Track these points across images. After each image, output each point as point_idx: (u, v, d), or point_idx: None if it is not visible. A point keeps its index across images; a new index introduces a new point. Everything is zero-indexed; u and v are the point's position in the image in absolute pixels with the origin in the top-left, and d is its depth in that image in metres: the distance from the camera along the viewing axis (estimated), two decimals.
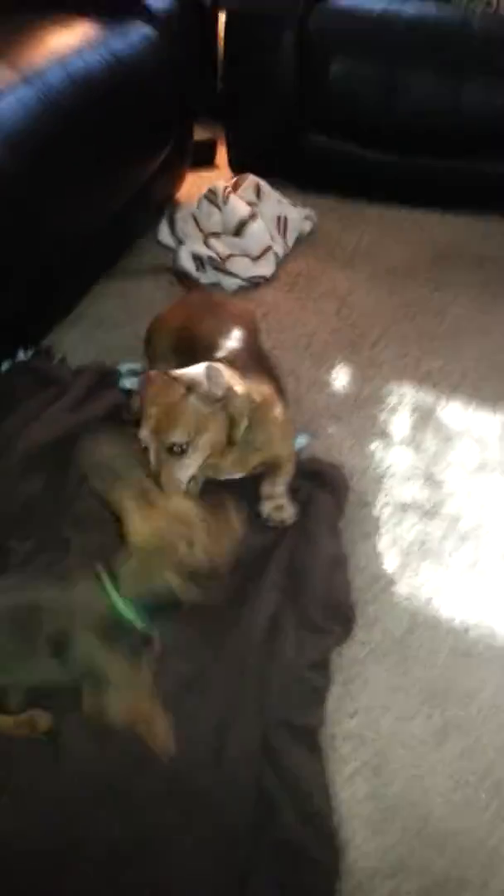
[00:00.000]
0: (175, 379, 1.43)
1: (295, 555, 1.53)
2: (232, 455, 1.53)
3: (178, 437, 1.39)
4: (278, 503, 1.59)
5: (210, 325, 1.76)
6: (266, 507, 1.59)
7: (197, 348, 1.67)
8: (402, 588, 1.55)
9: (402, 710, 1.34)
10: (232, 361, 1.57)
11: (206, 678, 1.33)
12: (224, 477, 1.59)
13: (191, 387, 1.40)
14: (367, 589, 1.54)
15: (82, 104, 1.89)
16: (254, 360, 1.69)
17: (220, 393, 1.41)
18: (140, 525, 1.20)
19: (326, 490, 1.68)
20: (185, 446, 1.40)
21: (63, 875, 1.10)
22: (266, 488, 1.60)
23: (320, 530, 1.58)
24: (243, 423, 1.48)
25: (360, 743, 1.30)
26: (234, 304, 2.07)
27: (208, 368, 1.43)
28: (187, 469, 1.43)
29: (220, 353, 1.64)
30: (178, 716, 1.22)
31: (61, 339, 2.15)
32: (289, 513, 1.58)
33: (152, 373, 1.50)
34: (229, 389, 1.43)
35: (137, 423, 1.44)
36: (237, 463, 1.57)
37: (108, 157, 2.07)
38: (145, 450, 1.42)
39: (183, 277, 2.30)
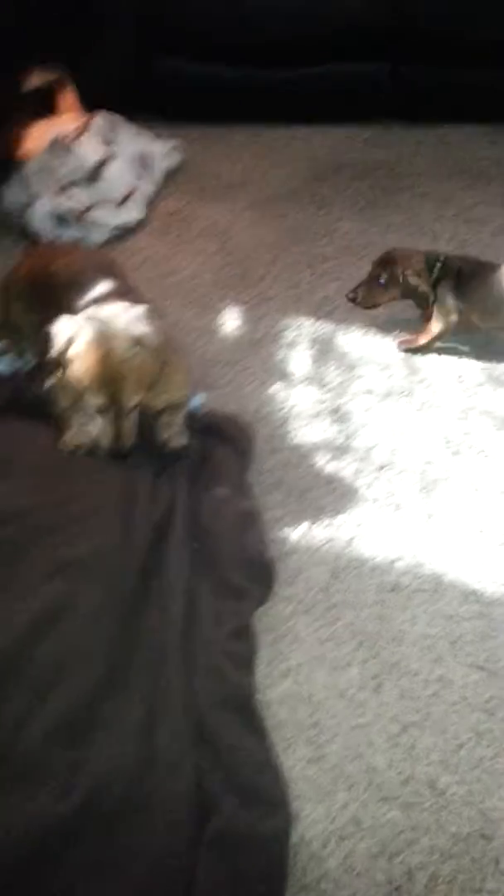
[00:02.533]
0: (116, 333, 1.32)
1: (201, 517, 1.42)
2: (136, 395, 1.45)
3: (137, 397, 1.35)
4: (176, 430, 1.53)
5: (65, 267, 1.59)
6: (165, 433, 1.52)
7: (55, 293, 1.53)
8: (321, 532, 1.46)
9: (336, 660, 1.26)
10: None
11: (124, 675, 1.21)
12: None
13: (140, 341, 1.32)
14: (284, 541, 1.45)
15: None
16: (135, 295, 1.57)
17: (159, 339, 1.35)
18: None
19: (228, 444, 1.56)
20: (136, 404, 1.36)
21: None
22: (165, 418, 1.53)
23: (224, 484, 1.47)
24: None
25: (297, 703, 1.21)
26: (85, 250, 1.92)
27: (148, 312, 1.36)
28: (135, 417, 1.39)
29: (91, 293, 1.50)
30: (97, 727, 1.11)
31: None
32: (186, 436, 1.55)
33: (90, 330, 1.34)
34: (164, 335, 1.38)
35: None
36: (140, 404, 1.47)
37: None
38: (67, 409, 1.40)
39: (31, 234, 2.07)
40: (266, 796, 1.10)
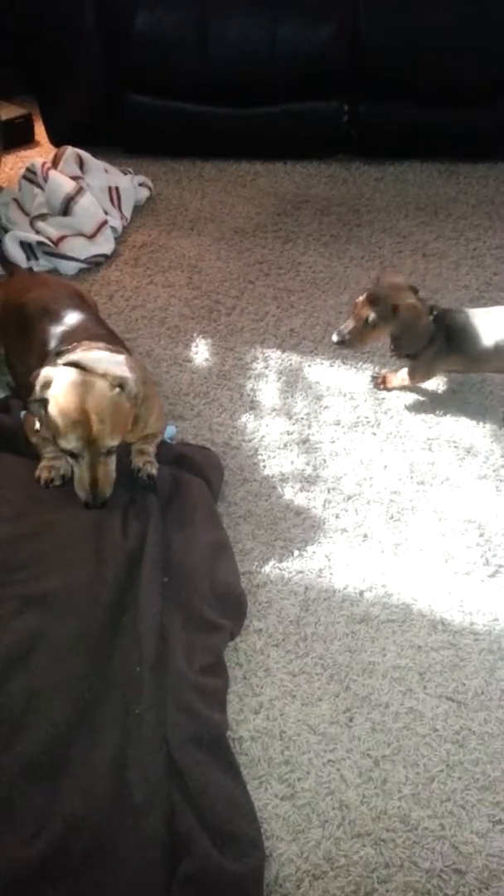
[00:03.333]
0: (101, 375, 1.30)
1: (172, 550, 1.41)
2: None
3: (115, 441, 1.32)
4: (148, 459, 1.52)
5: (37, 295, 1.61)
6: (137, 461, 1.52)
7: (30, 322, 1.54)
8: (291, 564, 1.46)
9: (307, 694, 1.26)
10: (84, 336, 1.47)
11: (96, 711, 1.19)
12: None
13: (122, 384, 1.31)
14: (256, 572, 1.45)
15: None
16: (103, 327, 1.60)
17: (138, 387, 1.34)
18: None
19: (198, 475, 1.56)
20: (113, 448, 1.33)
21: None
22: (138, 445, 1.54)
23: (195, 517, 1.46)
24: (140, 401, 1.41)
25: (269, 739, 1.20)
26: (57, 279, 1.92)
27: (128, 360, 1.35)
28: (113, 464, 1.36)
29: (61, 324, 1.52)
30: (68, 766, 1.09)
31: None
32: (157, 467, 1.54)
33: (69, 372, 1.31)
34: (144, 382, 1.38)
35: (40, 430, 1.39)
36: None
37: None
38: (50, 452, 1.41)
39: (6, 263, 2.07)
40: (239, 836, 1.08)
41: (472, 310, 1.73)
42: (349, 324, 1.67)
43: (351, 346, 1.70)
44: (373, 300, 1.65)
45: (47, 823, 1.05)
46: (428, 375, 1.78)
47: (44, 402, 1.31)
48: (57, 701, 1.17)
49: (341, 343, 1.68)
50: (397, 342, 1.69)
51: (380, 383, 1.85)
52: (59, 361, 1.34)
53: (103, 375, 1.30)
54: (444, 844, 1.08)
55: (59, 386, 1.29)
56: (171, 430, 1.71)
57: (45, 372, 1.33)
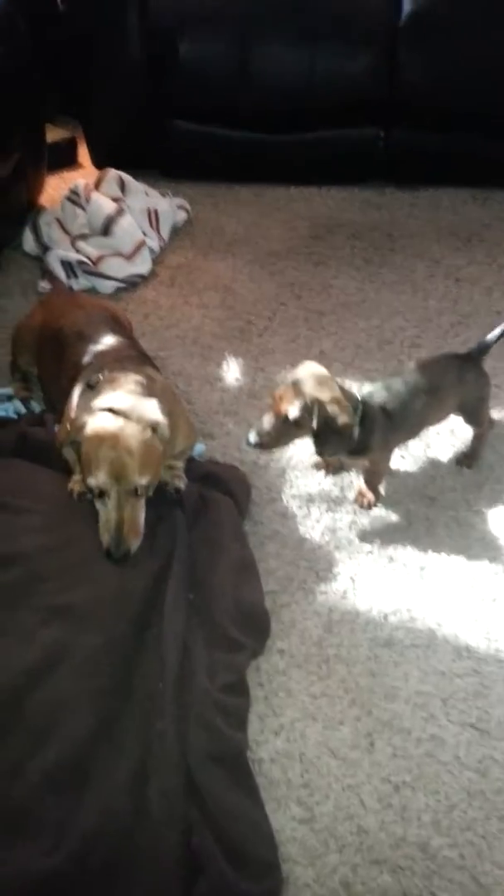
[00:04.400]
0: (126, 417, 1.31)
1: (197, 567, 1.43)
2: None
3: (145, 480, 1.29)
4: (177, 473, 1.54)
5: (74, 320, 1.65)
6: (165, 475, 1.51)
7: (64, 345, 1.58)
8: (316, 585, 1.47)
9: (329, 717, 1.26)
10: (116, 357, 1.51)
11: (118, 725, 1.20)
12: None
13: (155, 427, 1.32)
14: (280, 591, 1.46)
15: None
16: (135, 349, 1.63)
17: (171, 431, 1.36)
18: None
19: (226, 493, 1.58)
20: (144, 488, 1.31)
21: None
22: (166, 461, 1.53)
23: (221, 535, 1.48)
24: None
25: (289, 762, 1.21)
26: (93, 299, 1.97)
27: (159, 399, 1.36)
28: (143, 508, 1.34)
29: (95, 348, 1.55)
30: (88, 779, 1.10)
31: None
32: (185, 481, 1.54)
33: (96, 413, 1.32)
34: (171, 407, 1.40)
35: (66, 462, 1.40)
36: None
37: None
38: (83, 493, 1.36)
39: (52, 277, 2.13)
40: (255, 857, 1.08)
41: (389, 380, 1.53)
42: (267, 420, 1.42)
43: (270, 446, 1.46)
44: (293, 394, 1.39)
45: (66, 836, 1.06)
46: (385, 465, 1.61)
47: (76, 445, 1.33)
48: (80, 713, 1.18)
49: (259, 445, 1.43)
50: (319, 443, 1.40)
51: (364, 503, 1.62)
52: (94, 404, 1.34)
53: (137, 420, 1.32)
54: (463, 875, 1.07)
55: (92, 427, 1.31)
56: (199, 448, 1.74)
57: (80, 416, 1.35)
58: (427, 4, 2.52)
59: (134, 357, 1.57)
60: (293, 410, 1.38)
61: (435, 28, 2.52)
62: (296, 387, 1.40)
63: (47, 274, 2.23)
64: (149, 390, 1.42)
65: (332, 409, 1.38)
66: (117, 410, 1.33)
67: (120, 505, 1.29)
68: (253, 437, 1.43)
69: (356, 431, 1.42)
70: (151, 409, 1.35)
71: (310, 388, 1.39)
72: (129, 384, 1.40)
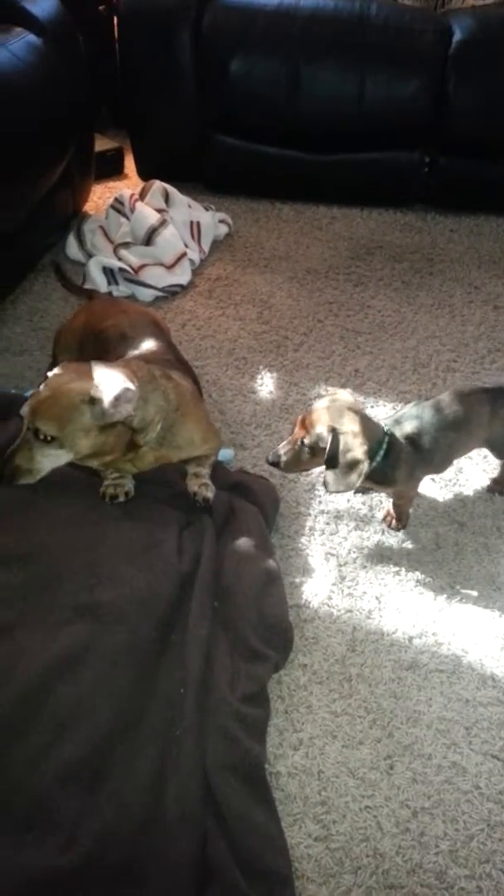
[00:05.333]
0: (87, 379, 1.33)
1: (223, 576, 1.43)
2: (153, 453, 1.48)
3: (46, 428, 1.31)
4: (203, 482, 1.55)
5: (116, 322, 1.68)
6: (192, 485, 1.54)
7: (106, 347, 1.60)
8: (341, 602, 1.46)
9: (349, 736, 1.25)
10: (152, 360, 1.51)
11: (138, 727, 1.20)
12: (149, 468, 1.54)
13: (94, 399, 1.31)
14: (304, 606, 1.45)
15: None
16: (172, 353, 1.65)
17: (116, 418, 1.32)
18: None
19: (254, 504, 1.59)
20: (50, 438, 1.32)
21: None
22: (192, 468, 1.57)
23: (248, 545, 1.48)
24: (154, 429, 1.42)
25: (307, 778, 1.20)
26: (135, 305, 1.98)
27: (125, 392, 1.32)
28: (47, 459, 1.35)
29: (136, 350, 1.58)
30: (105, 778, 1.10)
31: None
32: (213, 490, 1.55)
33: (73, 363, 1.39)
34: (129, 416, 1.34)
35: None
36: (161, 459, 1.51)
37: None
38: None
39: (71, 287, 2.13)
40: (269, 871, 1.07)
41: (422, 408, 1.49)
42: (286, 442, 1.43)
43: (287, 469, 1.45)
44: (314, 420, 1.38)
45: (81, 834, 1.06)
46: (415, 489, 1.56)
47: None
48: (101, 712, 1.19)
49: (275, 464, 1.44)
50: (331, 475, 1.36)
51: (393, 524, 1.61)
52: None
53: (89, 383, 1.32)
54: None
55: (55, 373, 1.36)
56: (228, 454, 1.75)
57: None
58: (477, 34, 2.54)
59: (169, 361, 1.59)
60: (309, 436, 1.37)
61: (484, 57, 2.54)
62: (318, 413, 1.38)
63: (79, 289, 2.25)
64: (157, 384, 1.42)
65: (346, 440, 1.34)
66: (86, 373, 1.34)
67: (25, 438, 1.34)
68: (271, 457, 1.44)
69: (365, 467, 1.35)
70: (110, 386, 1.32)
71: (330, 417, 1.37)
72: (132, 368, 1.41)
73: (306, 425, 1.39)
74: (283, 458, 1.42)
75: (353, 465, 1.34)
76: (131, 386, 1.33)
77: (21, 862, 1.02)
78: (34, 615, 1.30)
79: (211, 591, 1.39)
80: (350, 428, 1.35)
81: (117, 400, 1.31)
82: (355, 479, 1.34)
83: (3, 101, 1.90)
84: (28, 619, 1.28)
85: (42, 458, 1.34)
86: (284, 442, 1.44)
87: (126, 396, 1.32)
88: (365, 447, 1.35)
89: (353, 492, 1.69)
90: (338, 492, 1.39)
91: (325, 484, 1.39)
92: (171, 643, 1.31)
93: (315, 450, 1.38)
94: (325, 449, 1.35)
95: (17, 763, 1.11)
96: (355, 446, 1.34)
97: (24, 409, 1.34)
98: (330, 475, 1.37)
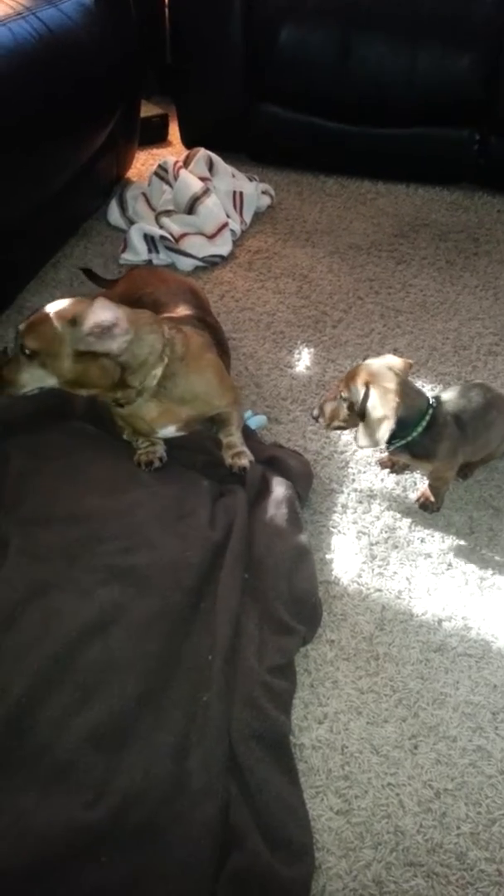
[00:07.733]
0: (83, 307, 1.35)
1: (254, 548, 1.43)
2: (156, 405, 1.48)
3: (29, 342, 1.37)
4: (237, 451, 1.56)
5: (154, 290, 1.68)
6: (227, 456, 1.56)
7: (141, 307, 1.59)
8: (370, 581, 1.45)
9: (374, 713, 1.24)
10: (176, 319, 1.54)
11: (166, 692, 1.21)
12: (162, 433, 1.55)
13: (75, 321, 1.34)
14: (334, 583, 1.45)
15: (10, 77, 1.73)
16: (207, 321, 1.66)
17: (95, 347, 1.34)
18: None
19: (288, 477, 1.58)
20: (31, 354, 1.37)
21: None
22: (223, 439, 1.59)
23: (280, 519, 1.48)
24: (148, 372, 1.42)
25: (330, 752, 1.20)
26: (176, 275, 1.98)
27: (110, 324, 1.34)
28: (29, 376, 1.40)
29: (171, 314, 1.59)
30: (132, 740, 1.12)
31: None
32: (249, 458, 1.57)
33: (75, 299, 1.43)
34: (111, 351, 1.36)
35: None
36: (166, 415, 1.50)
37: (41, 136, 1.91)
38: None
39: (91, 278, 2.06)
40: (291, 840, 1.08)
41: (469, 389, 1.48)
42: (327, 398, 1.47)
43: (326, 422, 1.47)
44: (355, 375, 1.39)
45: (107, 792, 1.08)
46: (454, 469, 1.52)
47: None
48: (129, 675, 1.20)
49: (316, 418, 1.48)
50: (362, 428, 1.38)
51: (427, 506, 1.58)
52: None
53: (83, 307, 1.35)
54: (499, 891, 1.05)
55: (59, 299, 1.41)
56: (261, 420, 1.74)
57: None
58: None
59: (191, 317, 1.60)
60: (347, 391, 1.40)
61: None
62: (361, 369, 1.40)
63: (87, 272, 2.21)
64: (155, 329, 1.42)
65: (377, 395, 1.35)
66: (87, 303, 1.36)
67: (16, 352, 1.40)
68: (315, 411, 1.49)
69: (391, 424, 1.34)
70: (99, 315, 1.33)
71: (369, 374, 1.38)
72: (138, 314, 1.42)
73: (348, 381, 1.41)
74: (324, 413, 1.47)
75: (380, 420, 1.35)
76: (123, 324, 1.35)
77: (46, 816, 1.04)
78: (70, 576, 1.31)
79: (242, 562, 1.39)
80: (384, 385, 1.36)
81: (98, 327, 1.33)
82: (382, 434, 1.36)
83: (52, 59, 1.88)
84: (63, 579, 1.30)
85: (25, 374, 1.40)
86: (326, 398, 1.48)
87: (110, 330, 1.34)
88: (394, 404, 1.35)
89: (388, 471, 1.67)
90: (366, 447, 1.41)
91: (355, 438, 1.42)
92: (200, 611, 1.32)
93: (352, 405, 1.40)
94: (356, 404, 1.38)
95: (46, 722, 1.13)
96: (384, 402, 1.35)
97: (21, 326, 1.40)
98: (361, 430, 1.39)
